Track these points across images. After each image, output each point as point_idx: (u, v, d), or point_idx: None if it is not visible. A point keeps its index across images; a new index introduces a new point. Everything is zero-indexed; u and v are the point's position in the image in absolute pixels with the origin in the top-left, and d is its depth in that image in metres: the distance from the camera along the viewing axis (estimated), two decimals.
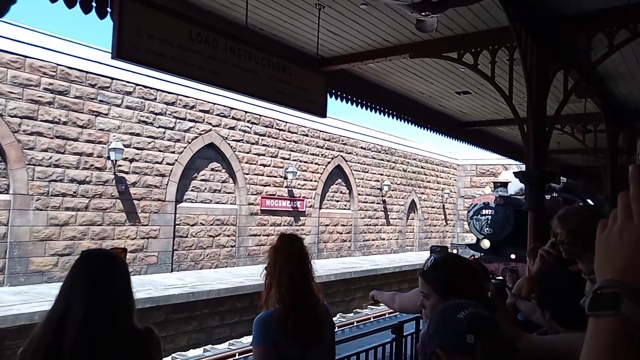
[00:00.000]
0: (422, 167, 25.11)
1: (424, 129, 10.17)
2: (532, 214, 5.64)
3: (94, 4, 4.74)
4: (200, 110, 14.26)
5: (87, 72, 11.66)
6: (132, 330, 1.79)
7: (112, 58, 4.74)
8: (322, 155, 18.65)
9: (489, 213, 13.25)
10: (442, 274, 1.91)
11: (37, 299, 9.13)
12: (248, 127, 15.71)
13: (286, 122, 16.97)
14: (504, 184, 14.79)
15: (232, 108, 15.08)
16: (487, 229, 13.18)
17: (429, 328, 1.41)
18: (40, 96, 10.87)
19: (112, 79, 12.14)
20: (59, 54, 11.18)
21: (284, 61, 5.86)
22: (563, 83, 6.15)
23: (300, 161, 17.64)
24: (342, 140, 19.77)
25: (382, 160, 22.18)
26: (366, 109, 8.17)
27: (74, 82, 11.44)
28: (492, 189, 15.32)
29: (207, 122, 14.45)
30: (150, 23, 4.75)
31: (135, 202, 12.65)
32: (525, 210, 10.05)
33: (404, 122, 9.33)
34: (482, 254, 12.93)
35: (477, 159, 26.95)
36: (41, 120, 10.89)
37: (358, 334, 4.78)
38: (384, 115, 8.68)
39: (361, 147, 20.82)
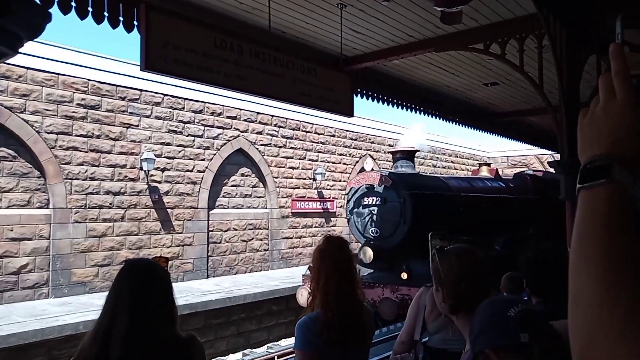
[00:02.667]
0: (451, 162, 24.80)
1: (452, 122, 10.05)
2: (569, 205, 5.50)
3: (121, 19, 4.85)
4: (228, 117, 14.42)
5: (117, 86, 11.94)
6: (176, 338, 1.81)
7: (141, 70, 4.86)
8: (349, 154, 18.61)
9: (374, 202, 8.62)
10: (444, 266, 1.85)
11: (80, 309, 9.38)
12: (275, 130, 15.80)
13: (312, 124, 17.01)
14: (409, 154, 9.66)
15: (258, 113, 15.19)
16: (372, 229, 8.56)
17: (472, 326, 1.33)
18: (73, 112, 11.19)
19: (141, 90, 12.39)
20: (90, 69, 11.47)
21: (308, 63, 5.88)
22: (596, 68, 5.98)
23: (329, 162, 17.65)
24: (370, 139, 19.69)
25: None
26: (392, 106, 8.13)
27: (104, 96, 11.73)
28: (393, 162, 9.91)
29: (235, 128, 14.60)
30: (176, 34, 4.84)
31: (169, 210, 12.87)
32: (437, 197, 8.87)
33: (431, 116, 9.23)
34: (362, 274, 8.05)
35: (508, 151, 26.46)
36: (76, 135, 11.20)
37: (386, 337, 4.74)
38: (411, 111, 8.61)
39: (389, 145, 20.69)
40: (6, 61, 9.81)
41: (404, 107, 8.38)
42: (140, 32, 4.72)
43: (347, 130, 18.43)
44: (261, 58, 5.44)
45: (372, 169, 11.44)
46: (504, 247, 9.86)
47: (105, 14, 4.83)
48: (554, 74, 5.45)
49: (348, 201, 9.19)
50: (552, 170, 6.62)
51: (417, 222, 8.25)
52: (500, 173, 12.97)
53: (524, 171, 14.29)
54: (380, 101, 7.88)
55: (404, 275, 7.76)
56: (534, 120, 11.89)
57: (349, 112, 6.48)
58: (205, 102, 13.76)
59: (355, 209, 8.94)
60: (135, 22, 4.97)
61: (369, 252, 8.33)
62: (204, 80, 5.25)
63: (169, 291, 1.86)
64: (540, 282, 2.20)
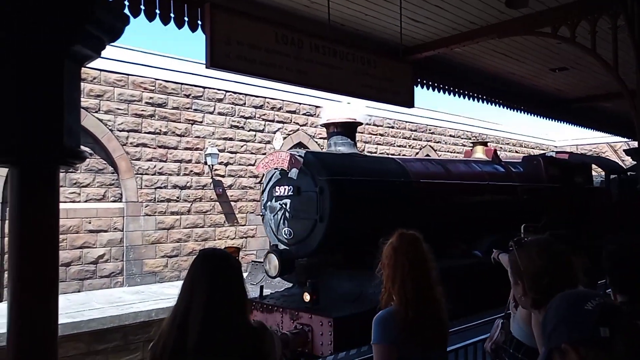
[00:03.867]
0: (516, 152, 23.92)
1: (517, 111, 9.69)
2: None
3: (186, 19, 5.04)
4: (287, 111, 14.63)
5: (182, 84, 12.40)
6: (248, 326, 1.85)
7: (206, 68, 5.01)
8: (409, 146, 18.37)
9: (286, 193, 6.56)
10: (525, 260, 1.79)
11: (152, 297, 9.88)
12: None
13: (371, 116, 16.92)
14: (347, 128, 7.17)
15: (317, 107, 15.30)
16: (285, 229, 6.56)
17: (546, 321, 1.28)
18: (142, 110, 11.74)
19: (204, 87, 12.80)
20: (156, 69, 11.99)
21: (368, 54, 5.86)
22: None
23: (388, 154, 17.52)
24: (430, 130, 19.34)
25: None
26: (454, 95, 7.95)
27: (170, 94, 12.22)
28: (327, 136, 7.42)
29: (294, 122, 14.79)
30: (239, 30, 4.96)
31: (232, 203, 13.26)
32: (375, 185, 6.54)
33: (495, 105, 8.95)
34: (259, 297, 6.07)
35: (577, 139, 25.14)
36: (145, 132, 11.75)
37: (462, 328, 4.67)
38: (473, 100, 8.39)
39: (450, 135, 20.24)
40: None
41: (467, 97, 8.17)
42: (204, 31, 4.87)
43: (406, 122, 18.20)
44: (321, 51, 5.47)
45: (282, 150, 7.55)
46: (489, 251, 8.40)
47: (172, 15, 5.02)
48: (630, 56, 5.14)
49: (262, 191, 7.01)
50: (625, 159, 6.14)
51: (340, 220, 6.13)
52: (502, 155, 10.98)
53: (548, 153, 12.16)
54: (442, 91, 7.73)
55: (306, 297, 5.46)
56: (607, 106, 11.24)
57: (409, 103, 6.40)
58: (265, 98, 14.02)
59: (269, 203, 6.81)
60: (199, 22, 5.13)
61: (274, 262, 6.09)
62: (266, 75, 5.35)
63: (240, 280, 1.91)
64: (628, 280, 1.99)
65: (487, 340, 2.69)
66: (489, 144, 10.50)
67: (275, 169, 6.64)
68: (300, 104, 14.85)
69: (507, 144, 23.42)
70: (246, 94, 13.62)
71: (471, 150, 10.13)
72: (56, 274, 2.00)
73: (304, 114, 15.02)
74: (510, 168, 9.23)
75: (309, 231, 6.25)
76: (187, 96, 12.51)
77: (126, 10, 4.46)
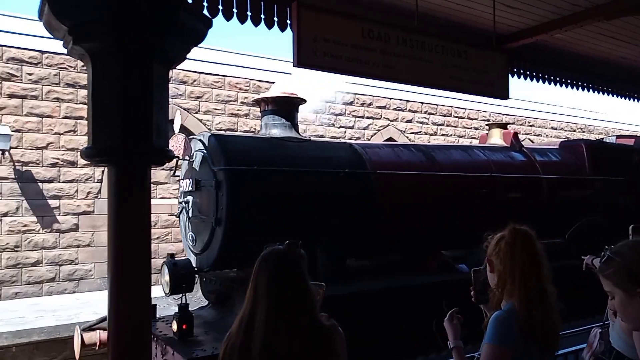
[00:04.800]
0: None
1: (629, 99, 8.83)
2: None
3: (275, 19, 5.16)
4: (377, 107, 14.53)
5: (273, 83, 12.74)
6: (317, 325, 1.78)
7: (294, 66, 5.10)
8: None
9: (188, 188, 5.46)
10: (621, 265, 1.63)
11: None
12: (425, 118, 15.50)
13: (465, 109, 16.31)
14: (284, 105, 5.86)
15: (408, 101, 15.05)
16: (189, 233, 5.52)
17: None
18: (238, 110, 12.26)
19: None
20: (250, 69, 12.46)
21: (459, 45, 5.63)
22: None
23: None
24: (529, 122, 18.25)
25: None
26: (555, 85, 7.41)
27: (258, 93, 12.64)
28: (261, 116, 6.10)
29: (384, 117, 14.66)
30: (325, 27, 4.98)
31: None
32: (302, 178, 5.16)
33: (602, 94, 8.21)
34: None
35: None
36: (241, 131, 12.26)
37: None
38: (577, 89, 7.76)
39: (552, 128, 18.96)
40: (180, 68, 11.09)
41: (569, 85, 7.59)
42: (292, 30, 4.96)
43: (502, 114, 17.32)
44: (408, 45, 5.35)
45: (177, 135, 5.44)
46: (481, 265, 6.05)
47: (262, 16, 5.16)
48: None
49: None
50: None
51: (243, 224, 4.87)
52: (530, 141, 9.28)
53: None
54: (540, 80, 7.24)
55: (174, 326, 4.41)
56: None
57: (504, 94, 6.07)
58: (355, 94, 14.03)
59: (182, 200, 5.64)
60: (289, 21, 5.23)
61: (165, 276, 4.87)
62: (352, 71, 5.33)
63: (302, 276, 1.83)
64: None
65: (585, 349, 2.48)
66: (509, 126, 8.48)
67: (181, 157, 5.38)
68: (390, 98, 14.69)
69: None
70: (337, 91, 13.72)
71: (487, 134, 8.29)
72: (149, 262, 2.14)
73: (394, 109, 14.84)
74: (534, 156, 7.34)
75: (209, 237, 5.00)
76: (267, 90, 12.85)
77: (220, 15, 4.67)
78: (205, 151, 5.15)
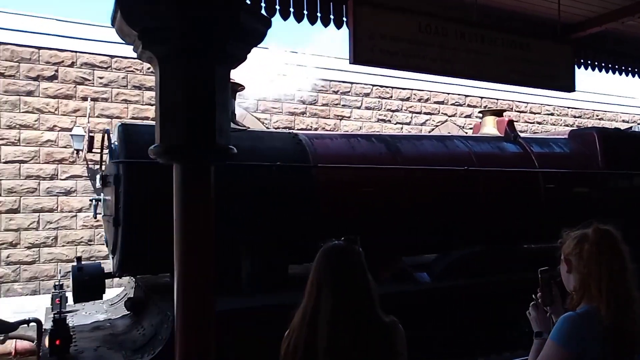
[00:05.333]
0: None
1: None
2: None
3: (331, 17, 5.19)
4: (435, 102, 14.28)
5: (331, 81, 12.83)
6: (378, 322, 1.79)
7: (350, 63, 5.12)
8: None
9: (98, 185, 5.44)
10: None
11: None
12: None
13: (527, 103, 15.72)
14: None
15: (466, 95, 14.69)
16: (105, 235, 5.35)
17: None
18: (295, 108, 12.42)
19: (352, 83, 13.09)
20: (307, 67, 12.59)
21: (520, 37, 5.45)
22: None
23: None
24: (597, 115, 17.34)
25: None
26: (627, 75, 7.01)
27: (320, 92, 12.73)
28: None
29: (442, 113, 14.39)
30: (381, 24, 4.96)
31: None
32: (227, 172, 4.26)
33: None
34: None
35: None
36: (297, 129, 12.42)
37: None
38: None
39: (623, 121, 17.92)
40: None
41: None
42: (348, 27, 4.98)
43: (568, 107, 16.56)
44: (467, 38, 5.24)
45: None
46: (446, 275, 5.27)
47: (318, 14, 5.21)
48: None
49: None
50: None
51: (143, 224, 4.31)
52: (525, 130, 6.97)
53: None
54: (610, 71, 6.87)
55: (46, 342, 3.84)
56: None
57: (569, 87, 5.81)
58: (412, 89, 13.86)
59: (94, 198, 5.53)
60: (344, 19, 5.24)
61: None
62: (409, 67, 5.28)
63: (364, 273, 1.84)
64: None
65: None
66: (505, 113, 7.64)
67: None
68: (448, 94, 14.40)
69: None
70: (393, 87, 13.61)
71: (480, 123, 7.49)
72: (212, 257, 2.24)
73: (452, 104, 14.53)
74: (531, 147, 6.44)
75: (114, 238, 4.52)
76: (336, 92, 12.91)
77: (277, 15, 4.75)
78: (115, 143, 4.70)
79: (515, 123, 14.75)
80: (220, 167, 4.19)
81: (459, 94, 14.51)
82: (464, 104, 14.67)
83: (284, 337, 1.91)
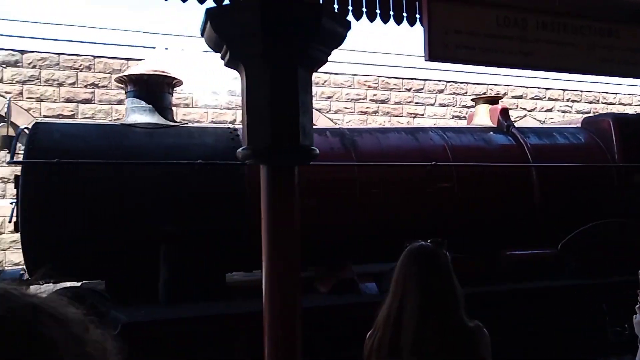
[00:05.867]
0: None
1: None
2: None
3: (404, 15, 5.16)
4: (513, 97, 13.74)
5: (403, 79, 12.72)
6: (463, 326, 1.78)
7: (425, 61, 5.07)
8: None
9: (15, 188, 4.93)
10: None
11: None
12: (568, 106, 14.28)
13: (616, 94, 14.71)
14: (153, 86, 4.88)
15: (547, 89, 14.00)
16: None
17: None
18: (367, 107, 12.43)
19: (425, 80, 12.90)
20: (379, 66, 12.56)
21: (607, 23, 5.15)
22: None
23: None
24: None
25: None
26: None
27: (392, 90, 12.66)
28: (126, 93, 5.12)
29: (521, 107, 13.81)
30: (457, 19, 4.87)
31: None
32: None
33: None
34: None
35: None
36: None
37: None
38: None
39: None
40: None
41: None
42: (422, 24, 4.93)
43: None
44: (549, 28, 5.02)
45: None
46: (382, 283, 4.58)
47: (391, 13, 5.20)
48: None
49: None
50: None
51: (40, 229, 4.11)
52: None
53: None
54: None
55: None
56: None
57: None
58: (488, 84, 13.42)
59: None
60: (418, 15, 5.19)
61: None
62: (487, 62, 5.15)
63: (450, 276, 1.83)
64: None
65: None
66: (502, 101, 6.77)
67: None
68: (527, 87, 13.80)
69: None
70: (467, 83, 13.26)
71: (473, 113, 6.72)
72: (298, 254, 2.33)
73: (531, 98, 13.92)
74: (526, 139, 5.62)
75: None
76: (408, 90, 12.78)
77: (350, 15, 4.80)
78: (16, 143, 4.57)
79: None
80: (124, 165, 4.16)
81: (539, 87, 13.85)
82: (544, 97, 13.98)
83: (367, 335, 1.93)
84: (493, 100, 6.34)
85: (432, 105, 12.98)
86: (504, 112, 6.00)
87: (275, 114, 2.21)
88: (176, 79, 5.01)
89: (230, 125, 5.15)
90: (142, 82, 4.76)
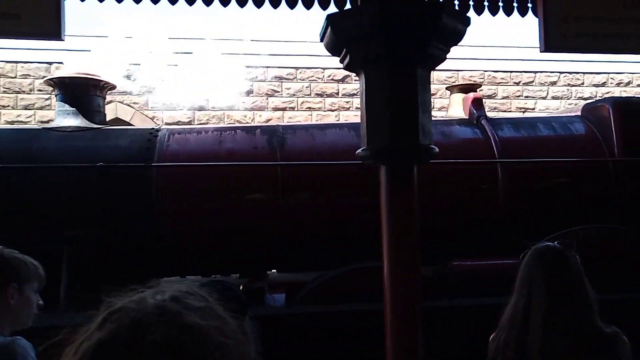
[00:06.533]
0: None
1: None
2: None
3: (515, 4, 4.93)
4: (639, 85, 12.53)
5: (511, 72, 12.12)
6: (598, 331, 1.71)
7: (540, 52, 4.79)
8: None
9: None
10: None
11: None
12: None
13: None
14: (81, 90, 4.81)
15: None
16: None
17: None
18: None
19: (535, 72, 12.19)
20: (484, 60, 12.09)
21: None
22: None
23: None
24: None
25: None
26: None
27: (500, 84, 12.10)
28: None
29: None
30: (577, 5, 4.55)
31: None
32: None
33: None
34: None
35: None
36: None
37: None
38: None
39: None
40: None
41: None
42: (535, 14, 4.68)
43: None
44: None
45: None
46: (305, 298, 4.07)
47: (500, 3, 5.00)
48: None
49: None
50: None
51: None
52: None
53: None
54: None
55: None
56: None
57: None
58: (609, 73, 12.37)
59: None
60: (529, 4, 4.95)
61: None
62: (613, 49, 4.75)
63: (581, 278, 1.77)
64: None
65: None
66: (480, 89, 5.92)
67: None
68: None
69: None
70: (584, 72, 12.31)
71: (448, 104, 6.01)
72: (418, 258, 2.32)
73: None
74: (495, 131, 4.84)
75: None
76: (517, 84, 12.15)
77: (471, 10, 4.69)
78: None
79: None
80: (40, 169, 4.07)
81: None
82: None
83: (491, 337, 1.91)
84: (466, 89, 5.64)
85: (544, 98, 12.22)
86: (476, 101, 5.23)
87: (395, 114, 2.22)
88: (103, 81, 4.91)
89: (156, 127, 4.97)
90: (65, 86, 4.74)
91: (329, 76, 11.25)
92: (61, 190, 4.17)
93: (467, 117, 5.30)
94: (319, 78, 11.33)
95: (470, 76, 11.94)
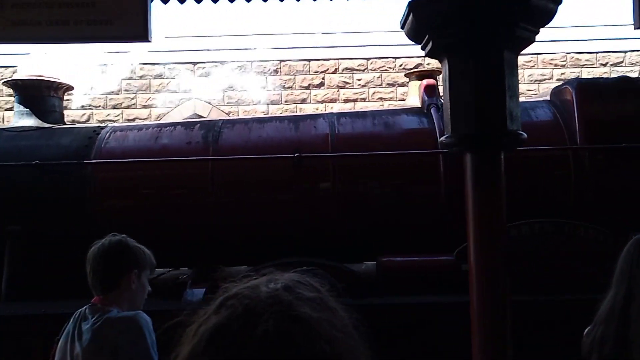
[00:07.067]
0: None
1: None
2: None
3: None
4: None
5: (597, 52, 11.37)
6: None
7: (635, 29, 4.49)
8: None
9: None
10: None
11: None
12: None
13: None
14: (34, 91, 4.99)
15: None
16: None
17: None
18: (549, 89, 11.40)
19: (625, 52, 11.36)
20: (567, 42, 11.43)
21: None
22: None
23: None
24: None
25: None
26: None
27: (584, 66, 11.39)
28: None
29: None
30: None
31: None
32: None
33: None
34: None
35: None
36: None
37: None
38: None
39: None
40: None
41: None
42: None
43: None
44: None
45: None
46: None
47: None
48: None
49: None
50: None
51: None
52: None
53: None
54: None
55: None
56: None
57: None
58: None
59: None
60: None
61: None
62: None
63: None
64: None
65: None
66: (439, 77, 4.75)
67: None
68: None
69: None
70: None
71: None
72: (504, 246, 2.25)
73: None
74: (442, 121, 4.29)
75: None
76: (604, 65, 11.37)
77: None
78: None
79: None
80: None
81: None
82: None
83: (586, 332, 1.86)
84: (422, 76, 5.16)
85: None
86: (429, 88, 4.86)
87: (481, 100, 2.15)
88: (58, 82, 5.05)
89: (105, 125, 5.10)
90: (20, 87, 4.96)
91: (400, 65, 11.09)
92: (2, 188, 4.40)
93: (420, 106, 5.01)
94: (390, 68, 11.20)
95: (552, 59, 11.33)
